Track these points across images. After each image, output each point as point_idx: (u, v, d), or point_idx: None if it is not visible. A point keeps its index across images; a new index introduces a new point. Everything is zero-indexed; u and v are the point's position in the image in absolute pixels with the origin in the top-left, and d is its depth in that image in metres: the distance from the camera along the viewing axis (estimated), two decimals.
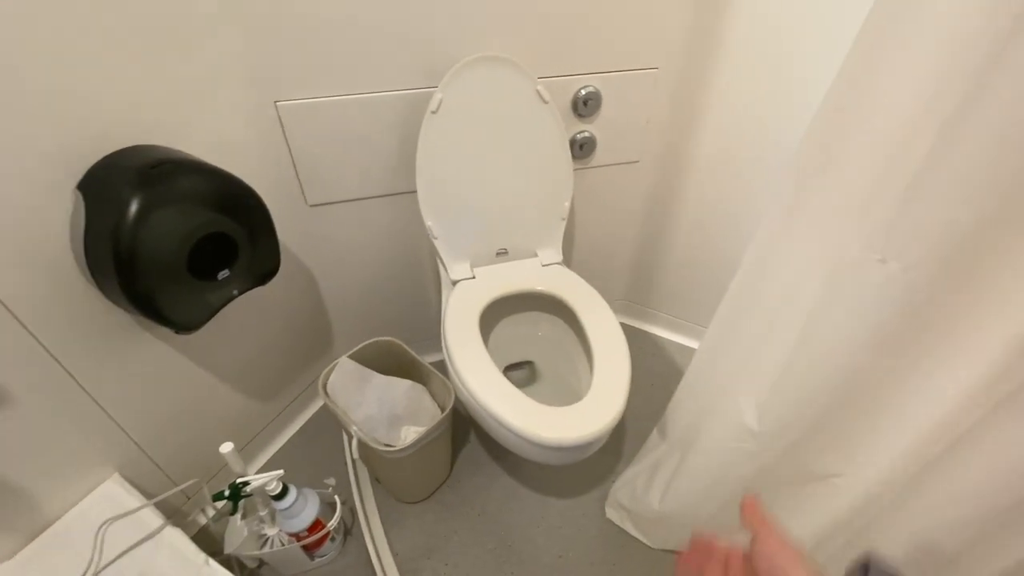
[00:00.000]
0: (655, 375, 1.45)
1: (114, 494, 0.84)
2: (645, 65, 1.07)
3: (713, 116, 1.13)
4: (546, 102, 0.98)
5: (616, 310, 1.58)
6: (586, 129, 1.14)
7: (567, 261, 1.36)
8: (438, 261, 1.12)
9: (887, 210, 0.43)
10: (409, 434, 1.02)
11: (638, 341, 1.57)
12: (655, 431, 1.02)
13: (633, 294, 1.57)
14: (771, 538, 0.34)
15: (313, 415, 1.33)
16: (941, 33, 0.38)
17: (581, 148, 1.15)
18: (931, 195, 0.39)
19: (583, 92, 1.06)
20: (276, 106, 0.90)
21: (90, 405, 0.80)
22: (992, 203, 0.37)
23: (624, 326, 1.59)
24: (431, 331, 1.17)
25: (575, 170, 1.12)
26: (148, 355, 0.87)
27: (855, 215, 0.47)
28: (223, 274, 0.80)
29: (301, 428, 1.31)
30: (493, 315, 1.11)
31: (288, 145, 0.96)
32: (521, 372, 1.27)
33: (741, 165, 1.16)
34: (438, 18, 0.90)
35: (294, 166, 0.99)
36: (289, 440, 1.28)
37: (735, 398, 0.69)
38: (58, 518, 0.79)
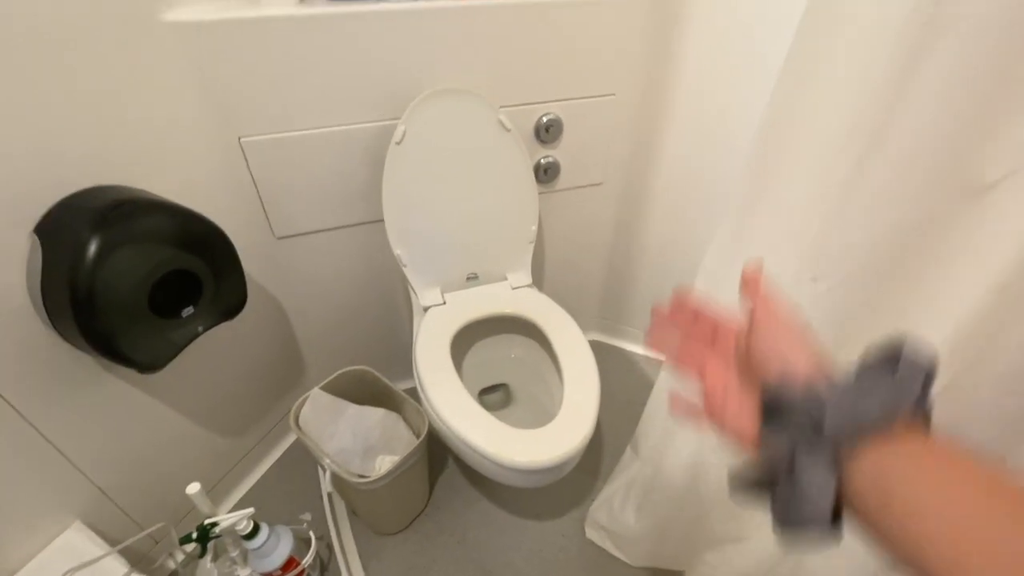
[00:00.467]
0: (631, 391, 1.46)
1: (76, 543, 0.81)
2: (603, 92, 1.11)
3: (671, 137, 1.18)
4: (508, 130, 1.00)
5: (590, 327, 1.63)
6: (550, 154, 1.17)
7: (539, 283, 1.38)
8: (409, 288, 1.12)
9: (816, 233, 0.46)
10: (384, 464, 1.02)
11: (613, 357, 1.59)
12: (629, 448, 1.03)
13: (606, 311, 1.60)
14: (773, 319, 0.29)
15: (287, 449, 1.31)
16: (851, 75, 0.41)
17: (546, 172, 1.18)
18: (848, 220, 0.43)
19: (544, 119, 1.10)
20: (240, 142, 0.91)
21: (49, 451, 0.78)
22: (901, 228, 0.40)
23: (599, 343, 1.64)
24: (405, 357, 1.17)
25: (541, 194, 1.15)
26: (111, 396, 0.85)
27: (790, 238, 0.50)
28: (187, 311, 0.80)
29: (275, 463, 1.28)
30: (466, 340, 1.12)
31: (253, 179, 0.96)
32: (496, 395, 1.27)
33: (700, 183, 1.20)
34: (399, 54, 0.92)
35: (260, 199, 0.99)
36: (263, 476, 1.25)
37: None
38: (15, 572, 0.76)
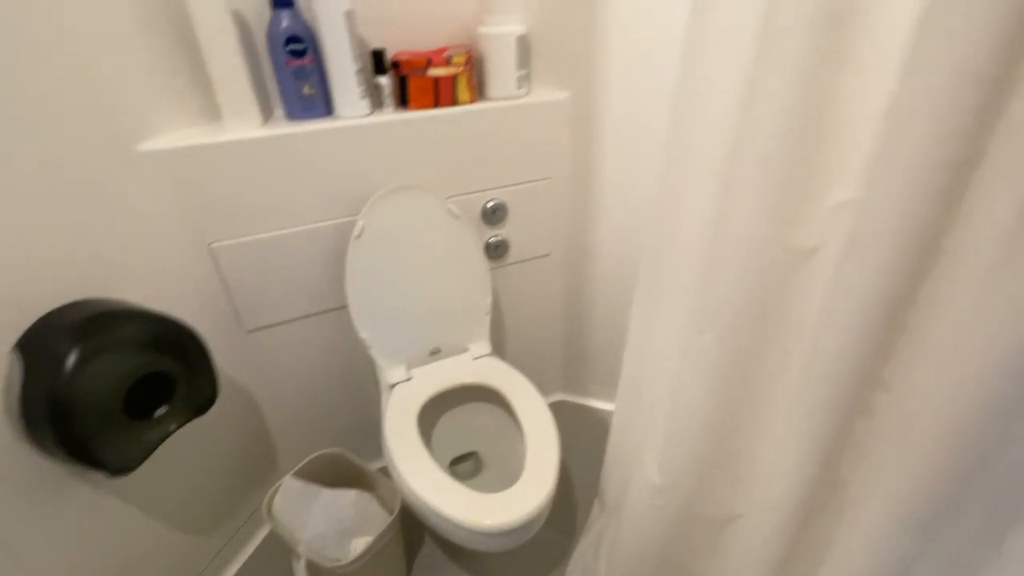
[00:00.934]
0: (599, 446, 1.50)
1: None
2: (539, 176, 1.26)
3: (603, 209, 1.32)
4: (457, 217, 1.12)
5: (555, 388, 1.70)
6: (498, 233, 1.29)
7: (501, 352, 1.46)
8: (376, 367, 1.18)
9: (699, 290, 0.57)
10: (359, 545, 1.03)
11: (580, 416, 1.65)
12: (596, 502, 1.08)
13: (569, 371, 1.67)
14: None
15: (262, 541, 1.29)
16: (702, 169, 0.54)
17: (496, 249, 1.30)
18: (718, 283, 0.53)
19: (490, 204, 1.23)
20: (210, 248, 0.99)
21: (18, 571, 0.78)
22: (755, 289, 0.52)
23: (565, 403, 1.70)
24: (377, 436, 1.20)
25: (494, 268, 1.25)
26: (80, 508, 0.85)
27: (683, 296, 0.61)
28: (160, 411, 0.84)
29: (251, 556, 1.26)
30: (434, 412, 1.17)
31: (223, 280, 1.03)
32: (467, 464, 1.31)
33: (634, 243, 1.34)
34: (354, 160, 1.04)
35: (230, 297, 1.06)
36: (238, 572, 1.22)
37: (644, 458, 0.78)
38: None
